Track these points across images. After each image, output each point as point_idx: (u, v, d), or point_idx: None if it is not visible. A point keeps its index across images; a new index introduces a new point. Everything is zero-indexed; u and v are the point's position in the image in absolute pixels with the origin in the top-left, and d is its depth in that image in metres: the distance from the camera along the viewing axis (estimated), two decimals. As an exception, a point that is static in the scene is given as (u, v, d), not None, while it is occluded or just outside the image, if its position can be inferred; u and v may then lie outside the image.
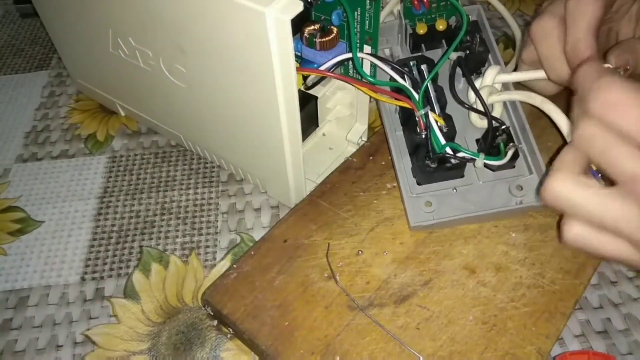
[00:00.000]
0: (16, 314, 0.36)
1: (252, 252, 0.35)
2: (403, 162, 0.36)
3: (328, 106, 0.42)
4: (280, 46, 0.28)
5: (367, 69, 0.37)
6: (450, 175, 0.35)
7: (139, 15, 0.35)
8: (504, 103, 0.36)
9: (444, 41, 0.40)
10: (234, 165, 0.43)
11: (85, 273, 0.38)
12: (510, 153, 0.33)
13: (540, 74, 0.34)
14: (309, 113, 0.40)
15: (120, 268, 0.38)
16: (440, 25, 0.37)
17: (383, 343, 0.30)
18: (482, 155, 0.33)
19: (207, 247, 0.39)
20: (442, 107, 0.36)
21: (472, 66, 0.38)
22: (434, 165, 0.34)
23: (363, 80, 0.35)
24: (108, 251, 0.39)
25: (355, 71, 0.37)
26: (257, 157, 0.39)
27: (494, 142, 0.34)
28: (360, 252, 0.34)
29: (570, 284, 0.32)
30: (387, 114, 0.38)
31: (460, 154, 0.33)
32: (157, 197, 0.43)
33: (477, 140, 0.36)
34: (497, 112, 0.35)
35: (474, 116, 0.36)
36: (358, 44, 0.36)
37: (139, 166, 0.45)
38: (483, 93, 0.35)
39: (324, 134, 0.45)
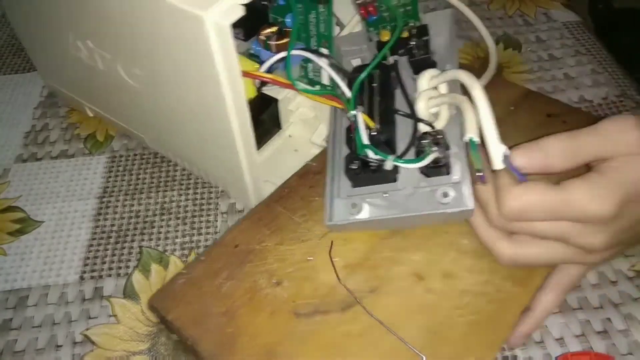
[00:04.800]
0: (16, 314, 0.36)
1: (203, 257, 0.34)
2: (338, 164, 0.35)
3: (290, 108, 0.41)
4: (223, 51, 0.28)
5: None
6: (382, 179, 0.34)
7: (93, 18, 0.35)
8: (457, 108, 0.34)
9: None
10: (197, 169, 0.42)
11: (84, 272, 0.38)
12: (429, 158, 0.31)
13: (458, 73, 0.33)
14: (270, 115, 0.40)
15: (120, 268, 0.38)
16: (404, 33, 0.36)
17: (325, 350, 0.30)
18: (391, 157, 0.32)
19: (207, 247, 0.39)
20: (386, 111, 0.34)
21: (421, 69, 0.36)
22: (354, 167, 0.33)
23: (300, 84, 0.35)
24: (107, 251, 0.39)
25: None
26: (215, 162, 0.39)
27: (417, 144, 0.32)
28: (310, 258, 0.33)
29: (516, 292, 0.31)
30: (335, 116, 0.38)
31: (376, 157, 0.32)
32: (156, 197, 0.43)
33: None
34: (444, 118, 0.34)
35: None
36: (315, 46, 0.36)
37: (138, 166, 0.45)
38: (423, 97, 0.34)
39: (290, 136, 0.44)
